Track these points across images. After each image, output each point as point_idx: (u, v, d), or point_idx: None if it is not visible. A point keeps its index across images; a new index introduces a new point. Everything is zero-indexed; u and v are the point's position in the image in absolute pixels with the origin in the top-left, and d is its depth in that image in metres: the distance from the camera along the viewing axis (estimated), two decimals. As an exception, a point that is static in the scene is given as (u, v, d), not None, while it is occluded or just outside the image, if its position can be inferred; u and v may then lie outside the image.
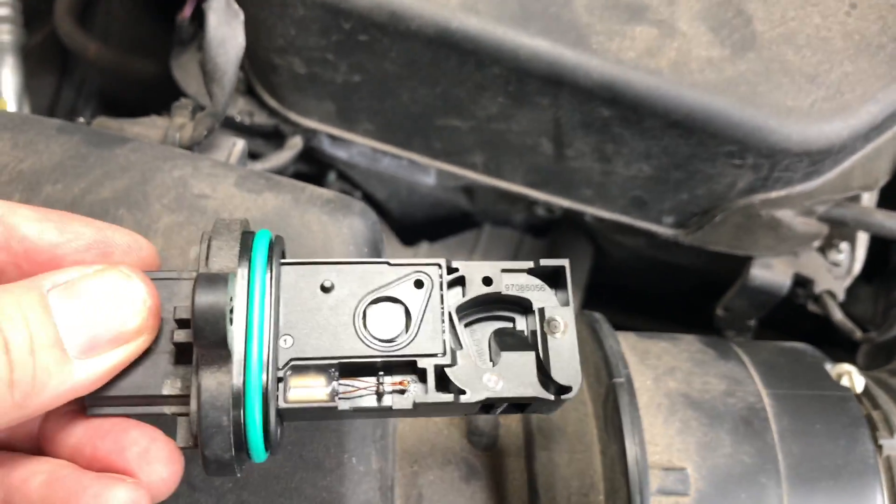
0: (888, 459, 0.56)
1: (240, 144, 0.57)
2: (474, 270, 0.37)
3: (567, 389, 0.36)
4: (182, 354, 0.34)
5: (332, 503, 0.45)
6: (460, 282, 0.37)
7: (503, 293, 0.37)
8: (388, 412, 0.36)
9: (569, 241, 0.99)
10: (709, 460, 0.50)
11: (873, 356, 0.82)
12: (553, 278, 0.38)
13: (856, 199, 0.72)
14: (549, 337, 0.36)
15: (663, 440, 0.51)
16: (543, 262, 0.37)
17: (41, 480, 0.33)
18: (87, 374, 0.32)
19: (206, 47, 0.50)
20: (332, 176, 0.95)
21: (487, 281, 0.37)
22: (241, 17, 0.51)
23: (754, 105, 0.58)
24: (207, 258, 0.34)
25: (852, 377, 0.58)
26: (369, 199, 0.97)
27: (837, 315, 0.74)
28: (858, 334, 0.74)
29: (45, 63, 1.15)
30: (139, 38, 1.11)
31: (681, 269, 0.93)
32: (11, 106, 1.04)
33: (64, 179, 0.50)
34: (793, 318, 0.86)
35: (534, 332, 0.37)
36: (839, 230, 0.75)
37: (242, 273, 0.34)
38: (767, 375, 0.55)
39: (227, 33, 0.50)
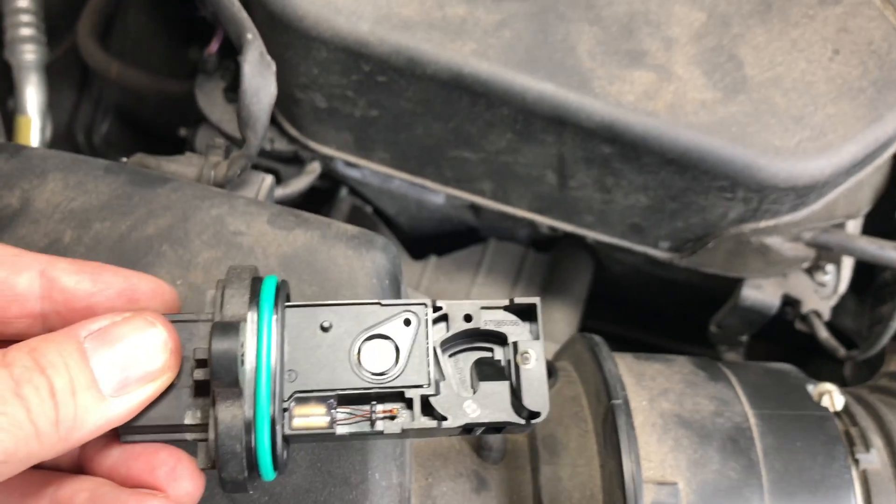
0: (864, 473, 0.60)
1: (268, 180, 0.62)
2: (456, 309, 0.42)
3: (537, 415, 0.41)
4: (201, 389, 0.40)
5: (357, 515, 0.50)
6: (444, 318, 0.42)
7: (482, 328, 0.42)
8: (380, 436, 0.41)
9: (571, 256, 1.03)
10: (698, 476, 0.55)
11: (859, 370, 0.87)
12: (527, 314, 0.42)
13: (841, 225, 0.77)
14: (521, 368, 0.41)
15: (657, 457, 0.56)
16: (517, 300, 0.42)
17: (85, 497, 0.39)
18: (119, 409, 0.37)
19: (242, 96, 0.55)
20: (344, 191, 0.99)
21: (468, 318, 0.42)
22: (274, 68, 0.56)
23: (744, 144, 0.63)
24: (222, 305, 0.40)
25: (832, 396, 0.63)
26: (380, 213, 1.02)
27: (823, 334, 0.79)
28: (842, 352, 0.78)
29: (64, 78, 1.18)
30: (154, 54, 1.16)
31: (677, 285, 0.97)
32: (36, 123, 1.08)
33: (111, 217, 0.55)
34: (783, 333, 0.91)
35: (509, 363, 0.42)
36: (825, 253, 0.80)
37: (252, 318, 0.40)
38: (753, 396, 0.60)
39: (260, 84, 0.55)
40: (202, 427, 0.40)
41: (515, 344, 0.41)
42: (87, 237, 0.54)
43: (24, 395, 0.34)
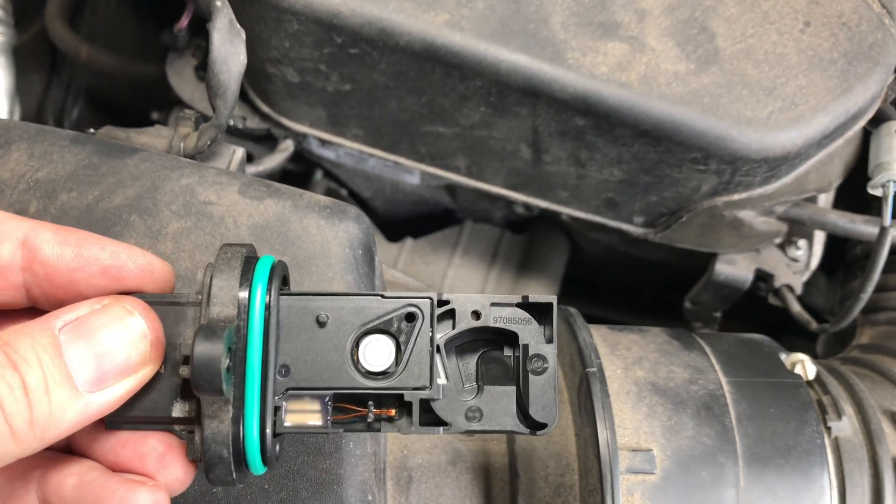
0: (836, 440, 0.61)
1: (239, 152, 0.61)
2: (464, 303, 0.39)
3: (543, 426, 0.38)
4: (188, 383, 0.37)
5: (331, 483, 0.50)
6: (450, 314, 0.39)
7: (491, 325, 0.39)
8: (377, 432, 0.39)
9: (546, 237, 1.04)
10: (673, 442, 0.55)
11: (830, 345, 0.88)
12: (541, 312, 0.39)
13: (813, 199, 0.78)
14: (530, 373, 0.38)
15: (632, 424, 0.56)
16: (532, 298, 0.39)
17: (73, 483, 0.38)
18: (98, 404, 0.35)
19: (211, 64, 0.54)
20: (318, 174, 0.99)
21: (477, 314, 0.39)
22: (243, 36, 0.55)
23: (717, 116, 0.63)
24: (209, 298, 0.37)
25: (805, 365, 0.63)
26: (355, 196, 1.01)
27: (795, 307, 0.80)
28: (814, 325, 0.79)
29: (33, 62, 1.17)
30: (125, 38, 1.14)
31: (651, 264, 0.98)
32: (3, 106, 1.06)
33: (78, 188, 0.54)
34: (756, 311, 0.92)
35: (517, 365, 0.39)
36: (797, 228, 0.81)
37: (243, 308, 0.37)
38: (727, 365, 0.60)
39: (230, 51, 0.54)
40: (190, 420, 0.38)
41: (526, 347, 0.39)
42: (53, 207, 0.53)
43: None
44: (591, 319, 0.65)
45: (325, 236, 0.55)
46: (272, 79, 0.73)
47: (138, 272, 0.39)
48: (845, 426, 0.61)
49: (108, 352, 0.36)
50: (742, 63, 0.65)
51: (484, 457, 0.59)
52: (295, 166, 0.97)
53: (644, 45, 0.64)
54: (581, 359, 0.57)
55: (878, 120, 0.71)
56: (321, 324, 0.39)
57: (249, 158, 0.82)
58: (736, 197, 0.70)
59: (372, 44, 0.64)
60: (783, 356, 0.64)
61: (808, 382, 0.63)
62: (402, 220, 1.06)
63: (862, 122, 0.69)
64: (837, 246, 0.88)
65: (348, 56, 0.67)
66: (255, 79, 0.76)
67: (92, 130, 0.61)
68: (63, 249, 0.38)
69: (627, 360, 0.60)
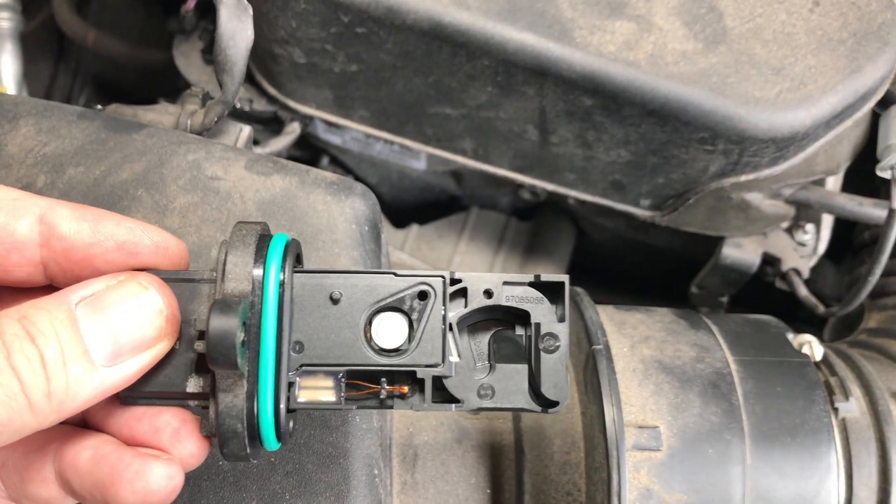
0: (843, 421, 0.61)
1: (246, 130, 0.61)
2: (476, 282, 0.39)
3: (555, 404, 0.38)
4: (203, 359, 0.38)
5: (337, 457, 0.50)
6: (462, 293, 0.39)
7: (503, 304, 0.39)
8: (390, 409, 0.40)
9: (552, 224, 1.04)
10: (679, 419, 0.55)
11: (839, 330, 0.88)
12: (553, 291, 0.39)
13: (821, 182, 0.77)
14: (542, 352, 0.38)
15: (638, 401, 0.56)
16: (544, 277, 0.39)
17: (88, 456, 0.38)
18: (113, 379, 0.36)
19: (218, 40, 0.54)
20: (325, 161, 0.99)
21: (489, 293, 0.39)
22: (251, 11, 0.55)
23: (724, 95, 0.63)
24: (224, 274, 0.37)
25: (812, 346, 0.63)
26: (361, 182, 1.01)
27: (802, 291, 0.79)
28: (821, 309, 0.79)
29: (41, 49, 1.17)
30: (131, 25, 1.14)
31: (657, 250, 0.98)
32: (11, 92, 1.07)
33: (86, 162, 0.54)
34: (762, 296, 0.91)
35: (529, 343, 0.39)
36: (805, 212, 0.80)
37: (257, 285, 0.37)
38: (734, 344, 0.60)
39: (237, 27, 0.54)
40: (204, 396, 0.39)
41: (538, 326, 0.39)
42: (60, 182, 0.53)
43: (15, 365, 0.32)
44: (597, 304, 0.65)
45: (332, 212, 0.55)
46: (279, 60, 0.73)
47: (153, 248, 0.40)
48: (852, 407, 0.61)
49: (123, 327, 0.36)
50: (750, 42, 0.64)
51: (490, 435, 0.59)
52: (301, 153, 0.97)
53: (652, 24, 0.64)
54: (587, 337, 0.57)
55: (888, 102, 0.70)
56: (334, 301, 0.39)
57: (255, 143, 0.82)
58: (743, 178, 0.69)
59: (379, 23, 0.64)
60: (790, 336, 0.63)
61: (816, 364, 0.63)
62: (408, 207, 1.06)
63: (871, 104, 0.68)
64: (843, 233, 0.88)
65: (355, 36, 0.67)
66: (262, 60, 0.76)
67: (100, 107, 0.61)
68: (80, 225, 0.38)
69: (634, 338, 0.59)
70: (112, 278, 0.37)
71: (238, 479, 0.49)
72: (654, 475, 0.54)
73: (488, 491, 0.59)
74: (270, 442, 0.38)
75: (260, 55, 0.75)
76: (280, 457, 0.49)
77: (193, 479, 0.48)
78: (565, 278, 0.39)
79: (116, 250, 0.38)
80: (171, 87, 0.96)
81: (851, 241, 0.89)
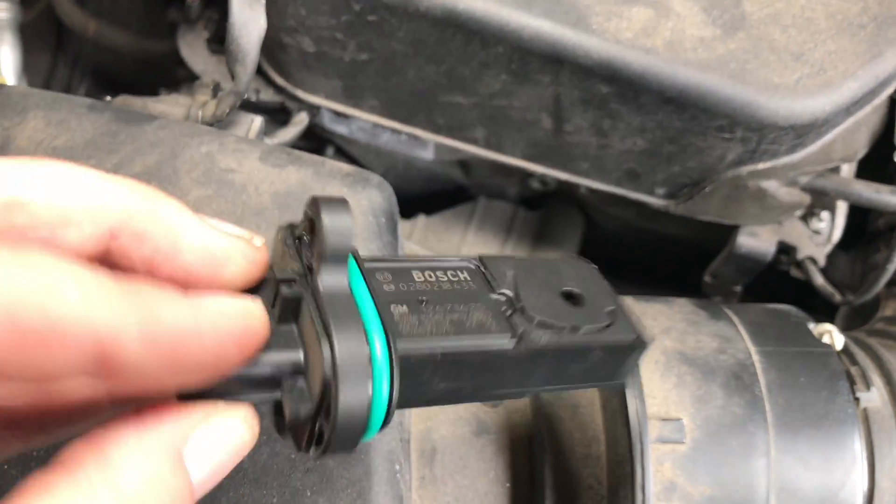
0: (865, 411, 0.60)
1: (258, 121, 0.60)
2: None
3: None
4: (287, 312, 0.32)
5: (359, 453, 0.49)
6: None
7: None
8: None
9: (561, 213, 1.03)
10: (703, 411, 0.55)
11: (851, 319, 0.87)
12: None
13: (836, 170, 0.76)
14: None
15: (661, 394, 0.55)
16: None
17: None
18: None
19: (230, 29, 0.53)
20: (329, 151, 0.97)
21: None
22: (263, 0, 0.54)
23: (743, 82, 0.62)
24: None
25: (832, 336, 0.63)
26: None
27: (819, 280, 0.79)
28: (838, 297, 0.78)
29: (39, 40, 1.15)
30: (131, 15, 1.13)
31: (669, 240, 0.97)
32: (10, 83, 1.05)
33: (97, 155, 0.53)
34: (775, 287, 0.90)
35: None
36: (820, 200, 0.80)
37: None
38: (755, 334, 0.59)
39: (249, 16, 0.53)
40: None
41: None
42: (71, 175, 0.52)
43: None
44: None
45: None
46: (287, 49, 0.72)
47: (240, 261, 0.33)
48: (874, 397, 0.60)
49: (225, 465, 0.30)
50: (769, 28, 0.63)
51: (509, 428, 0.59)
52: (305, 143, 0.96)
53: (669, 10, 0.63)
54: (608, 328, 0.56)
55: (905, 87, 0.69)
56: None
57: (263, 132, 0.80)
58: (761, 166, 0.69)
59: (391, 10, 0.63)
60: (811, 326, 0.63)
61: (836, 353, 0.62)
62: (414, 198, 1.05)
63: (890, 89, 0.68)
64: (856, 221, 0.87)
65: (366, 24, 0.65)
66: (270, 49, 0.74)
67: (108, 98, 0.60)
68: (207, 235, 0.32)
69: (654, 329, 0.59)
70: (219, 412, 0.30)
71: (258, 477, 0.48)
72: (677, 468, 0.53)
73: (508, 485, 0.58)
74: (375, 427, 0.32)
75: (268, 44, 0.74)
76: (300, 453, 0.49)
77: (213, 478, 0.47)
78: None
79: (201, 264, 0.31)
80: (171, 77, 0.95)
81: (863, 229, 0.88)
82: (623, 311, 0.38)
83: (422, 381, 0.33)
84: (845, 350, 0.63)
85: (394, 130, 0.82)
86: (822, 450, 0.55)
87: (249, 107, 0.81)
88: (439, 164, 0.96)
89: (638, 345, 0.38)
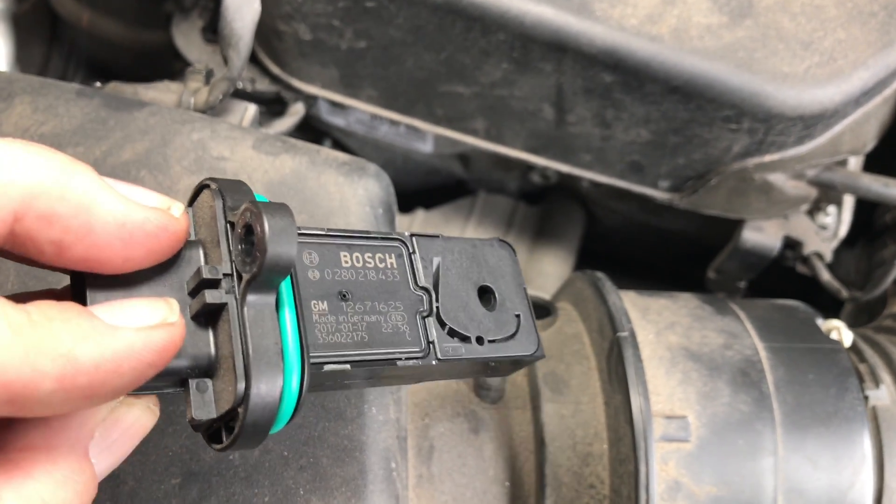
0: (874, 409, 0.59)
1: (252, 109, 0.58)
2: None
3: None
4: (205, 317, 0.31)
5: (353, 450, 0.47)
6: None
7: None
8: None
9: (562, 208, 1.01)
10: (708, 409, 0.53)
11: (856, 316, 0.85)
12: None
13: (843, 163, 0.75)
14: None
15: (665, 390, 0.54)
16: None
17: None
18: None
19: (223, 13, 0.51)
20: (327, 144, 0.96)
21: None
22: (257, -18, 0.52)
23: (751, 71, 0.60)
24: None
25: (841, 332, 0.61)
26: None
27: (825, 275, 0.77)
28: (845, 293, 0.77)
29: (33, 31, 1.14)
30: (126, 5, 1.11)
31: (671, 235, 0.95)
32: (4, 74, 1.04)
33: (85, 142, 0.51)
34: (780, 283, 0.89)
35: None
36: (827, 194, 0.78)
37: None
38: (762, 330, 0.58)
39: (243, 0, 0.51)
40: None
41: None
42: (58, 162, 0.51)
43: None
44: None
45: (344, 193, 0.52)
46: (283, 37, 0.70)
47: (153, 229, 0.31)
48: (883, 395, 0.59)
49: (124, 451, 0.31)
50: (778, 16, 0.62)
51: (508, 425, 0.57)
52: (302, 135, 0.94)
53: (675, -3, 0.61)
54: (611, 323, 0.55)
55: (916, 78, 0.68)
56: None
57: (259, 124, 0.79)
58: (767, 158, 0.67)
59: (390, -4, 0.62)
60: (819, 322, 0.61)
61: (845, 350, 0.61)
62: (413, 192, 1.04)
63: (901, 80, 0.66)
64: (862, 217, 0.85)
65: (364, 10, 0.64)
66: (265, 38, 0.73)
67: (98, 84, 0.58)
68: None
69: (659, 324, 0.57)
70: (122, 406, 0.30)
71: (250, 475, 0.46)
72: (682, 467, 0.52)
73: (507, 483, 0.57)
74: (283, 420, 0.33)
75: (263, 32, 0.72)
76: (294, 451, 0.47)
77: (203, 475, 0.46)
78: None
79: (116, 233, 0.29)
80: (166, 68, 0.93)
81: (869, 224, 0.86)
82: (530, 316, 0.40)
83: (328, 381, 0.35)
84: (853, 347, 0.62)
85: (392, 122, 0.80)
86: (831, 449, 0.53)
87: (244, 97, 0.79)
88: (438, 157, 0.95)
89: (535, 358, 0.40)
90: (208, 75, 0.59)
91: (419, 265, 0.38)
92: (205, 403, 0.31)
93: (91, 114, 0.52)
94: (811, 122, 0.63)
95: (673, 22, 0.61)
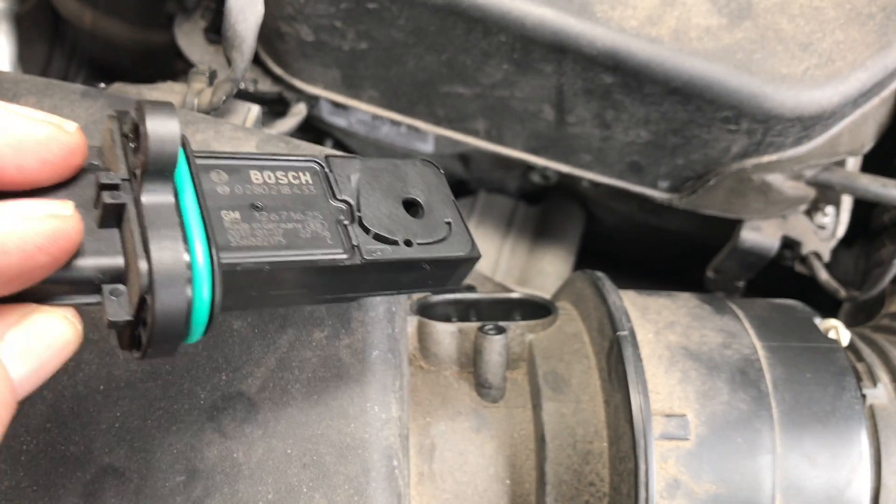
0: (871, 408, 0.59)
1: (255, 110, 0.59)
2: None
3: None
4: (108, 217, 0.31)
5: (356, 448, 0.48)
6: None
7: None
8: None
9: (562, 208, 1.01)
10: (707, 407, 0.54)
11: (854, 315, 0.86)
12: None
13: (841, 164, 0.75)
14: None
15: (665, 389, 0.54)
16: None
17: None
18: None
19: (227, 15, 0.52)
20: (328, 144, 0.96)
21: None
22: (261, -16, 0.53)
23: (750, 72, 0.61)
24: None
25: (839, 331, 0.61)
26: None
27: (823, 275, 0.78)
28: (843, 293, 0.77)
29: (36, 31, 1.14)
30: (128, 6, 1.11)
31: (670, 234, 0.96)
32: (6, 74, 1.04)
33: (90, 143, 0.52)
34: (778, 283, 0.89)
35: None
36: (825, 194, 0.78)
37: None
38: (761, 329, 0.58)
39: (246, 1, 0.52)
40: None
41: None
42: (63, 163, 0.51)
43: None
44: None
45: (347, 194, 0.53)
46: (285, 38, 0.70)
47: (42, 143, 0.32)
48: (880, 393, 0.59)
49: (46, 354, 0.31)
50: (776, 17, 0.62)
51: (509, 424, 0.58)
52: (304, 136, 0.94)
53: (675, -1, 0.62)
54: (611, 322, 0.55)
55: (914, 79, 0.68)
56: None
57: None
58: (766, 159, 0.67)
59: (391, -3, 0.62)
60: (817, 321, 0.62)
61: (843, 349, 0.61)
62: (413, 192, 1.04)
63: (898, 81, 0.66)
64: (859, 217, 0.86)
65: (366, 11, 0.64)
66: (267, 39, 0.73)
67: (103, 85, 0.58)
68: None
69: (658, 324, 0.58)
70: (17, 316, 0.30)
71: (253, 472, 0.47)
72: (681, 465, 0.52)
73: (508, 482, 0.57)
74: (198, 330, 0.32)
75: (265, 33, 0.73)
76: (297, 448, 0.48)
77: (207, 473, 0.46)
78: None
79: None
80: (168, 68, 0.93)
81: (867, 224, 0.87)
82: (461, 222, 0.39)
83: (251, 289, 0.33)
84: (851, 346, 0.62)
85: (393, 122, 0.80)
86: (829, 447, 0.54)
87: (247, 98, 0.80)
88: (439, 157, 0.95)
89: (469, 258, 0.38)
90: (212, 76, 0.59)
91: (336, 181, 0.37)
92: (120, 306, 0.31)
93: (96, 114, 0.53)
94: (809, 123, 0.63)
95: (672, 23, 0.61)
